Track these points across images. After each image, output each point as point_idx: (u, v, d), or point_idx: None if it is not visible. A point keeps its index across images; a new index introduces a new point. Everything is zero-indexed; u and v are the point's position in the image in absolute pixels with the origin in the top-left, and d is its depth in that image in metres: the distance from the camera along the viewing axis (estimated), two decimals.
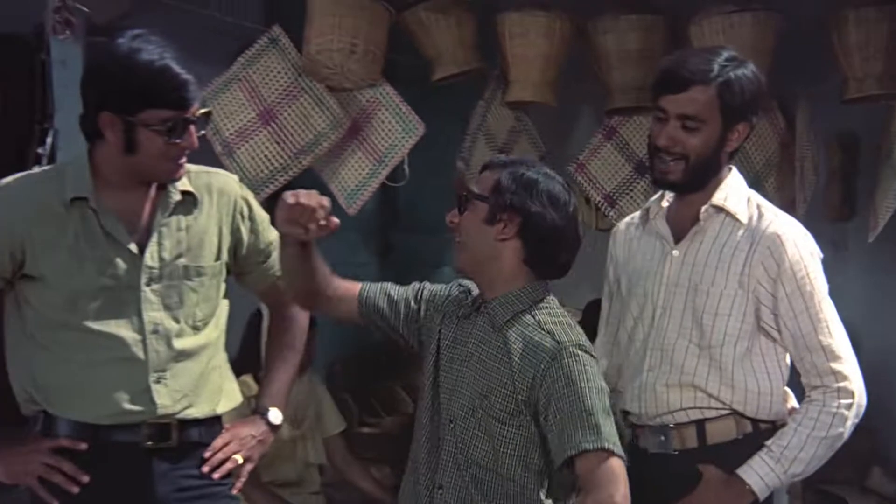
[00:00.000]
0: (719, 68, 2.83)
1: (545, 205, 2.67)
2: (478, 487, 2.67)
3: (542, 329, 2.67)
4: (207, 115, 2.82)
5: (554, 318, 2.70)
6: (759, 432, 2.86)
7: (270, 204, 3.89)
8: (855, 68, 4.49)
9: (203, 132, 2.79)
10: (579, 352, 2.63)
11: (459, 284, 2.87)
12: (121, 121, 2.66)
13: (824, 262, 2.89)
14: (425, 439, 2.77)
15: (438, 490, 2.72)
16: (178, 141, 2.70)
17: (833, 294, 2.87)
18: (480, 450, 2.67)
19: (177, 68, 2.66)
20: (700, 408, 2.87)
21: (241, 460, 2.92)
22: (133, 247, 2.76)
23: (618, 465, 2.56)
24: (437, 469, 2.73)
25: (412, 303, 2.88)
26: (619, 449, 2.57)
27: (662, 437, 2.90)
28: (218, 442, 2.89)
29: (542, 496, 2.65)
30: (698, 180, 2.89)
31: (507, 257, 2.70)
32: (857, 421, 2.82)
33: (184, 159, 2.76)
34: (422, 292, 2.89)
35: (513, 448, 2.65)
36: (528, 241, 2.69)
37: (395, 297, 2.88)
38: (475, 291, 2.81)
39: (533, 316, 2.70)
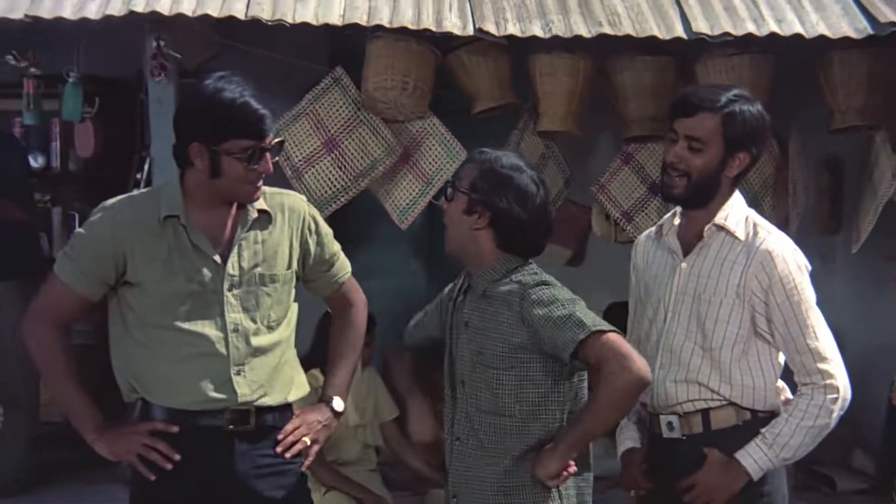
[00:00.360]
0: (726, 101, 2.81)
1: (511, 201, 2.70)
2: (485, 432, 2.71)
3: (513, 281, 2.71)
4: (281, 143, 2.84)
5: (523, 273, 2.74)
6: (757, 420, 2.83)
7: (333, 220, 3.93)
8: (839, 102, 4.50)
9: (276, 159, 2.81)
10: (542, 286, 2.67)
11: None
12: (207, 150, 2.69)
13: (814, 273, 2.86)
14: (448, 401, 2.84)
15: (456, 441, 2.78)
16: (255, 167, 2.72)
17: (822, 300, 2.84)
18: (483, 398, 2.71)
19: (255, 104, 2.68)
20: (704, 399, 2.85)
21: (309, 442, 2.93)
22: (217, 258, 2.78)
23: (614, 338, 2.57)
24: (455, 424, 2.80)
25: (441, 312, 2.94)
26: (608, 327, 2.57)
27: (673, 425, 2.89)
28: (289, 426, 2.90)
29: (538, 429, 2.68)
30: (699, 197, 2.87)
31: (483, 244, 2.75)
32: (842, 413, 2.78)
33: (261, 182, 2.78)
34: (441, 298, 2.96)
35: (507, 387, 2.68)
36: (498, 231, 2.73)
37: (426, 320, 3.01)
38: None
39: (508, 277, 2.73)
